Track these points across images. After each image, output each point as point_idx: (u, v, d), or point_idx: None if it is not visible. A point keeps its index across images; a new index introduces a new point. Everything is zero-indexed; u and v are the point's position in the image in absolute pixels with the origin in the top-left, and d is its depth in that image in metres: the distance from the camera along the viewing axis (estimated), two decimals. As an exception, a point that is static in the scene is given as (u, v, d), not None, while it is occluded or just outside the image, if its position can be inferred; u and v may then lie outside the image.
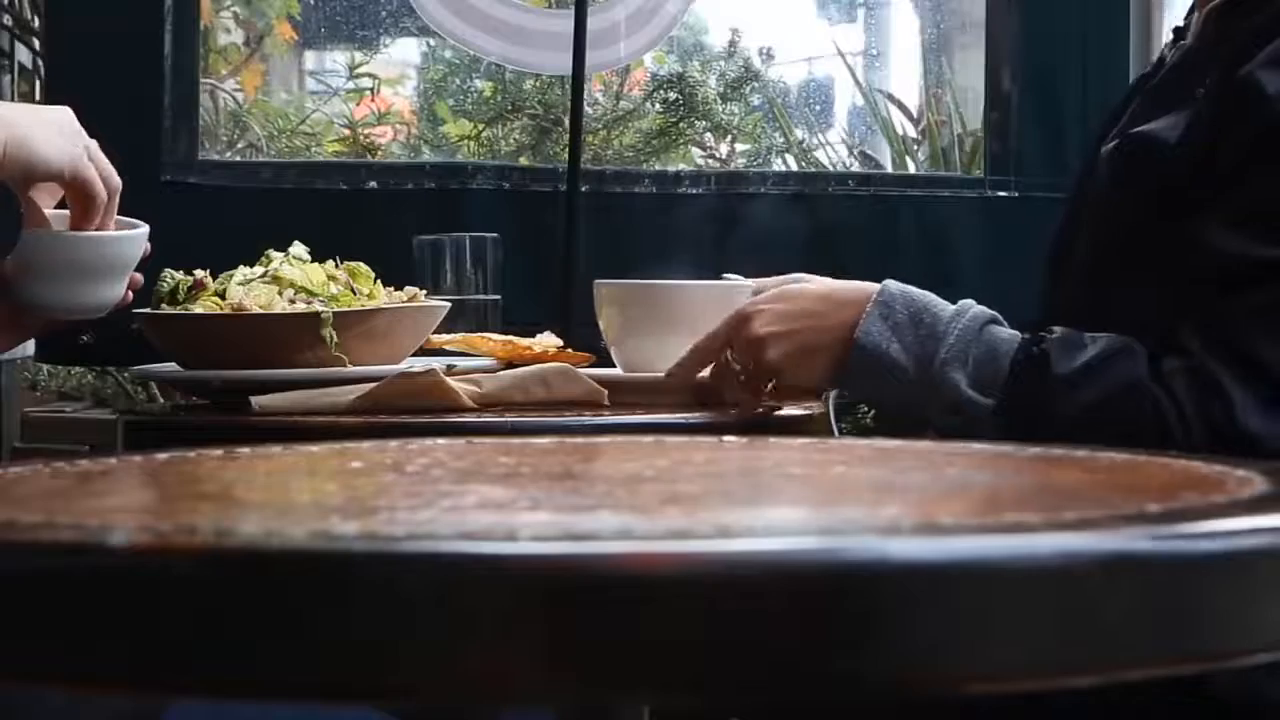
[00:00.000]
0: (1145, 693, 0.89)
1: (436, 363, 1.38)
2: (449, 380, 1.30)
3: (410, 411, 1.28)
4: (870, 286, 1.19)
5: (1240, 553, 0.47)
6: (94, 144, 1.21)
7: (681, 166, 2.97)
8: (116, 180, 1.22)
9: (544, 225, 2.21)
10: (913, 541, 0.45)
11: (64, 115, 1.20)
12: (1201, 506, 0.54)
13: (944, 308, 1.15)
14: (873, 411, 2.13)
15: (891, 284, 1.18)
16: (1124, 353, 1.07)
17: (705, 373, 1.27)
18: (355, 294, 1.40)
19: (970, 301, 1.16)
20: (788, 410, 1.34)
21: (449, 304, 1.49)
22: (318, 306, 1.36)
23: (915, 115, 2.98)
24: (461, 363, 1.43)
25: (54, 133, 1.17)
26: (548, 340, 1.48)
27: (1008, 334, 1.13)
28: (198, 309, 1.39)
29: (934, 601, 0.43)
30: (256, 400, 1.30)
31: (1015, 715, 0.92)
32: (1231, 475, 0.61)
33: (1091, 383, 1.06)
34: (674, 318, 1.35)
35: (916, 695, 0.50)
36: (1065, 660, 0.45)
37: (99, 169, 1.21)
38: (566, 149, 2.25)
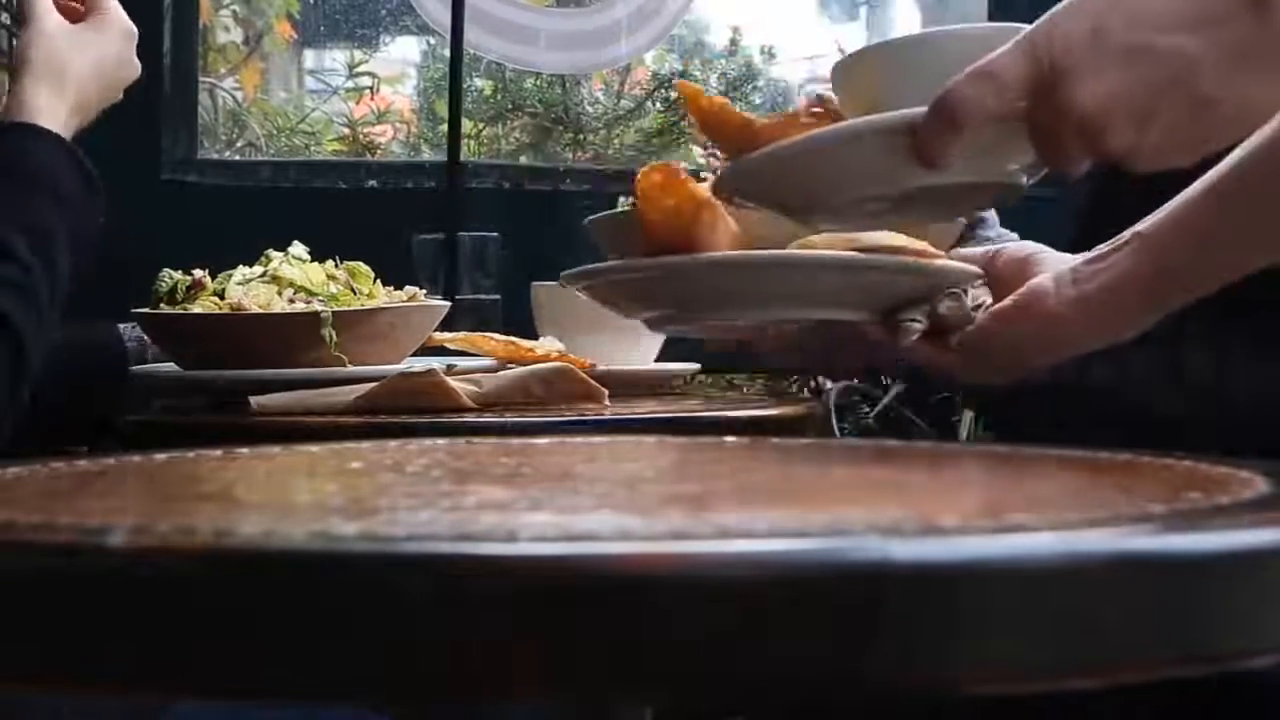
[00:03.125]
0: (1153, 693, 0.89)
1: (436, 363, 1.38)
2: (449, 380, 1.30)
3: (410, 411, 1.28)
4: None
5: (1243, 554, 0.47)
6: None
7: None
8: None
9: (544, 224, 2.22)
10: (914, 542, 0.45)
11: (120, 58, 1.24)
12: (1204, 507, 0.54)
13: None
14: (874, 410, 2.12)
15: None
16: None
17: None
18: (355, 294, 1.40)
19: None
20: (788, 410, 1.34)
21: (449, 304, 1.49)
22: (317, 306, 1.36)
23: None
24: (461, 363, 1.43)
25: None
26: (550, 344, 1.48)
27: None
28: (196, 309, 1.39)
29: (935, 602, 0.43)
30: (255, 400, 1.30)
31: (1016, 715, 0.92)
32: (1234, 476, 0.61)
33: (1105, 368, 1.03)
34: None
35: (916, 695, 0.50)
36: (1066, 661, 0.45)
37: None
38: (567, 148, 2.25)
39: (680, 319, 1.06)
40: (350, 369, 1.35)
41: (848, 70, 0.96)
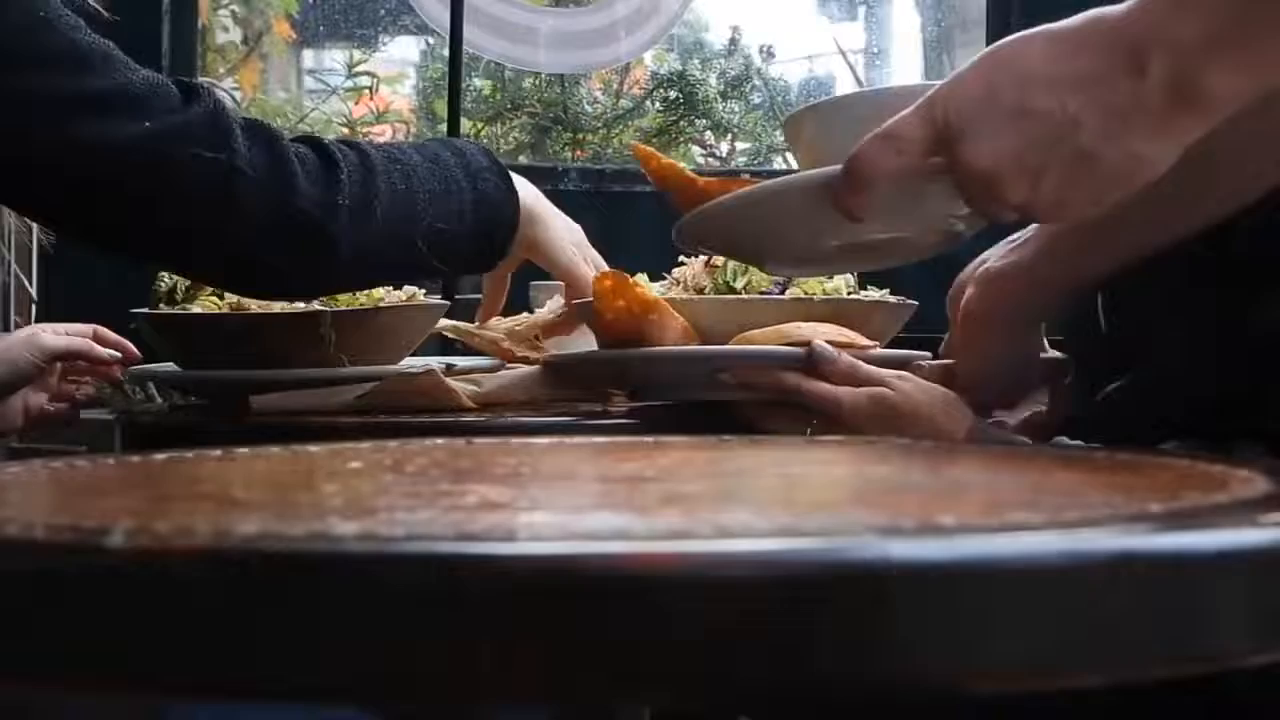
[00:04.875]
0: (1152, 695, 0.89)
1: (435, 363, 1.38)
2: (448, 380, 1.29)
3: (410, 411, 1.28)
4: (958, 423, 1.17)
5: (1243, 552, 0.47)
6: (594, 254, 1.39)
7: (682, 165, 2.97)
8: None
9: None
10: (914, 542, 0.45)
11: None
12: (1204, 506, 0.54)
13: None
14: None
15: (982, 428, 1.16)
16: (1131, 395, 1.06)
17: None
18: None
19: (1064, 439, 1.12)
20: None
21: (448, 304, 1.49)
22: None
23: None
24: (461, 362, 1.43)
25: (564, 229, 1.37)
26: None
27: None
28: (196, 308, 1.39)
29: (935, 601, 0.43)
30: (255, 400, 1.30)
31: (1016, 715, 0.92)
32: (1234, 475, 0.61)
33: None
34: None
35: (916, 695, 0.50)
36: (1066, 660, 0.45)
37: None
38: (566, 147, 2.25)
39: (640, 397, 1.30)
40: (350, 369, 1.35)
41: (792, 127, 1.05)
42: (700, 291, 1.31)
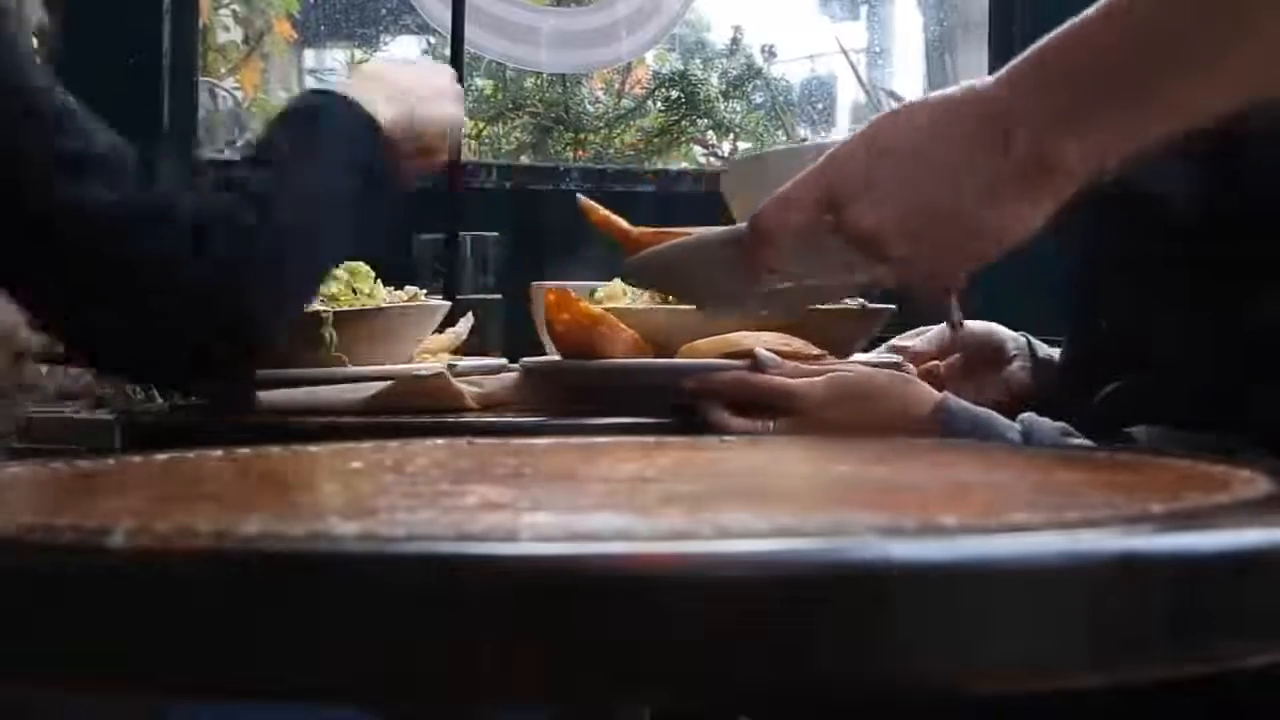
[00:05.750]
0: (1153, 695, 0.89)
1: (436, 364, 1.38)
2: (455, 382, 1.30)
3: (413, 412, 1.28)
4: (923, 400, 1.16)
5: (1244, 553, 0.47)
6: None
7: (683, 165, 2.97)
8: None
9: (545, 224, 2.21)
10: (914, 542, 0.45)
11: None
12: (1205, 506, 0.54)
13: (1009, 427, 1.12)
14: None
15: (951, 401, 1.15)
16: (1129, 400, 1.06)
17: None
18: (355, 294, 1.40)
19: (1032, 416, 1.13)
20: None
21: (449, 304, 1.49)
22: (318, 306, 1.36)
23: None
24: (462, 363, 1.43)
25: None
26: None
27: (1082, 446, 1.08)
28: (197, 308, 1.39)
29: (935, 602, 0.43)
30: (263, 396, 1.30)
31: (1016, 715, 0.92)
32: (1236, 475, 0.61)
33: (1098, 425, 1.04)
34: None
35: (916, 695, 0.50)
36: (1066, 660, 0.45)
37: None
38: (568, 147, 2.25)
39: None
40: (350, 369, 1.35)
41: (726, 179, 1.23)
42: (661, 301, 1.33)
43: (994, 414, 1.14)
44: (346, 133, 1.24)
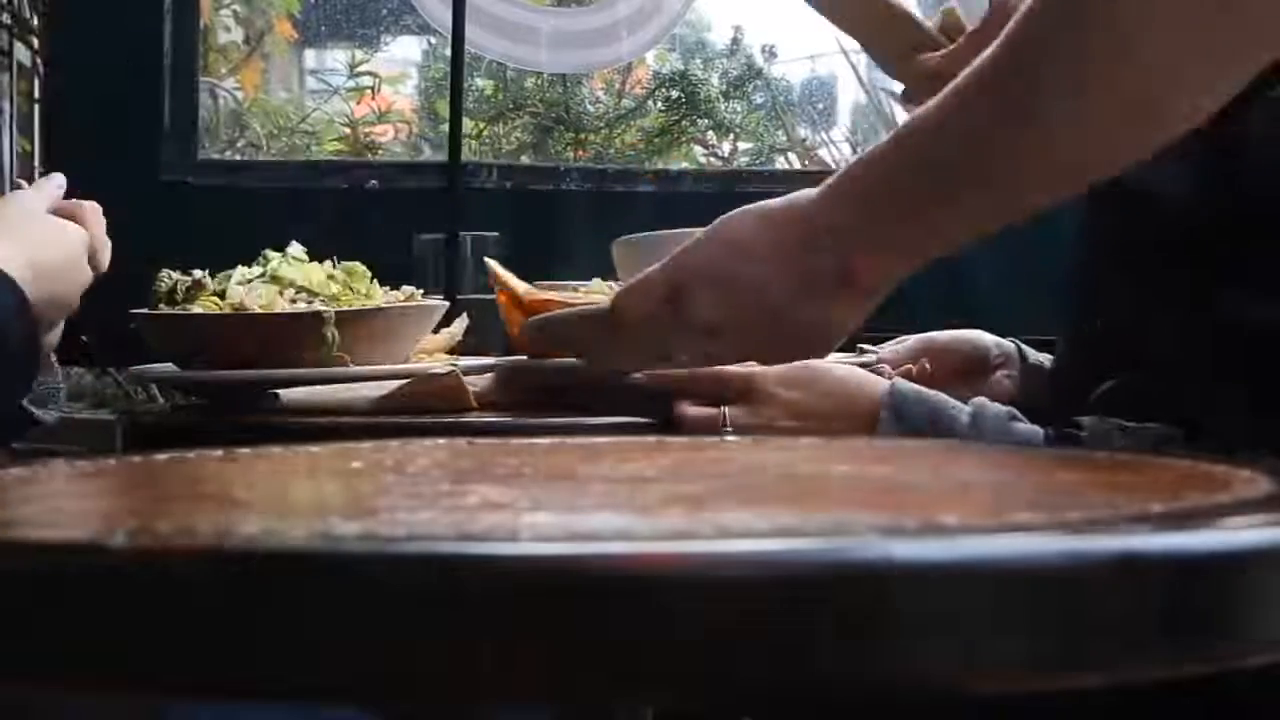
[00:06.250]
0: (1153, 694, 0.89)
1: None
2: (465, 380, 1.31)
3: (424, 411, 1.29)
4: (877, 383, 1.18)
5: (1245, 552, 0.47)
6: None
7: (684, 165, 2.97)
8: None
9: (545, 224, 2.21)
10: (915, 542, 0.45)
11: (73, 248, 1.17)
12: (1206, 506, 0.54)
13: (960, 410, 1.14)
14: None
15: (901, 384, 1.17)
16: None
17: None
18: (354, 293, 1.40)
19: (983, 400, 1.15)
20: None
21: (448, 304, 1.49)
22: (319, 306, 1.36)
23: (917, 113, 2.98)
24: (463, 362, 1.43)
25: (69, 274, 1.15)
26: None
27: (1028, 429, 1.11)
28: (196, 309, 1.39)
29: (936, 602, 0.43)
30: (283, 394, 1.31)
31: (1016, 715, 0.92)
32: (1236, 475, 0.61)
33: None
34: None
35: (916, 695, 0.50)
36: (1067, 660, 0.45)
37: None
38: (568, 147, 2.25)
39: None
40: (351, 369, 1.35)
41: (617, 253, 1.38)
42: None
43: (945, 396, 1.15)
44: None
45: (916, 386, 1.16)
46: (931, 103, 0.82)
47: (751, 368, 1.19)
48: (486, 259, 1.43)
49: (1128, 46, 0.74)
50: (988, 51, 0.79)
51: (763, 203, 0.89)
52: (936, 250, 0.89)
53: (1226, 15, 0.73)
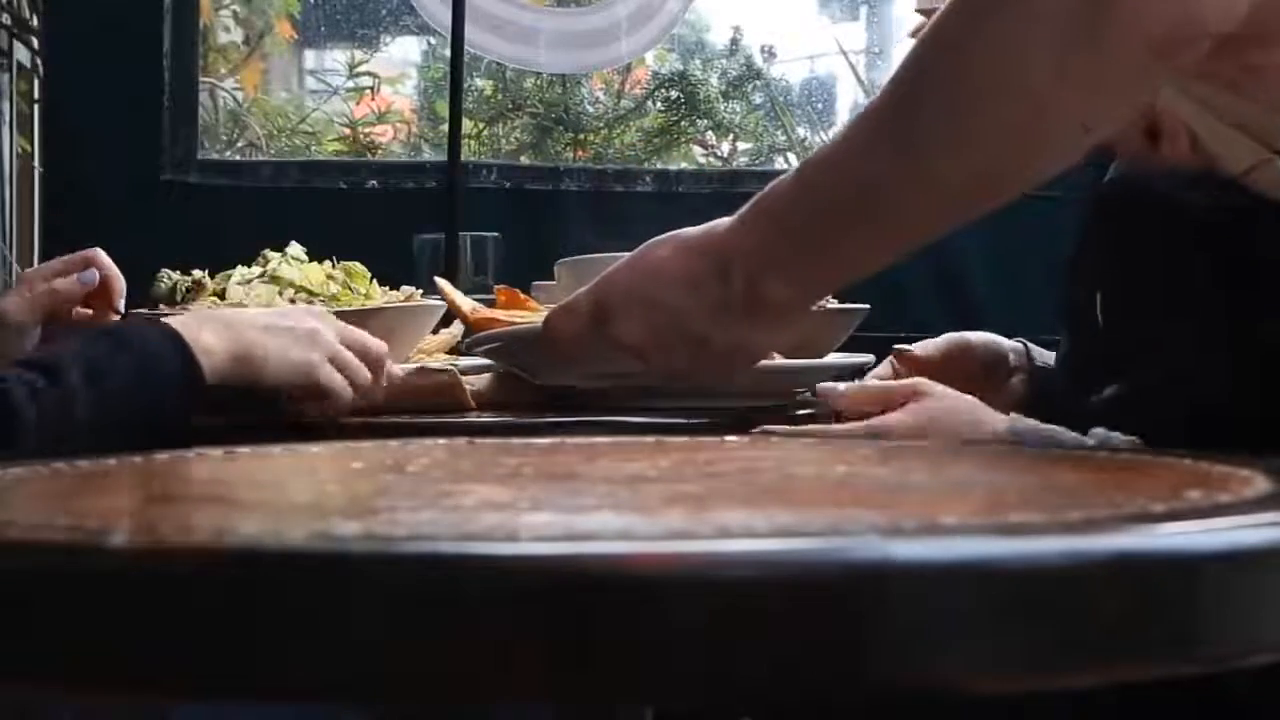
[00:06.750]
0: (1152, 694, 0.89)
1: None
2: (461, 379, 1.31)
3: (416, 411, 1.29)
4: (995, 419, 1.17)
5: (1244, 552, 0.47)
6: (340, 351, 1.25)
7: (683, 165, 2.97)
8: (365, 375, 1.27)
9: (544, 224, 2.21)
10: (914, 542, 0.45)
11: (306, 320, 1.25)
12: (1205, 506, 0.54)
13: (1078, 441, 1.10)
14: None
15: (1019, 421, 1.16)
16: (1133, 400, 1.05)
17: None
18: (353, 293, 1.40)
19: (1102, 430, 1.11)
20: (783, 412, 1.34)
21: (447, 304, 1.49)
22: (319, 306, 1.36)
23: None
24: (462, 362, 1.43)
25: (289, 342, 1.22)
26: None
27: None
28: (197, 309, 1.39)
29: (936, 602, 0.43)
30: None
31: (1016, 715, 0.92)
32: (1234, 475, 0.61)
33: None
34: None
35: (916, 695, 0.50)
36: (1066, 660, 0.45)
37: (344, 367, 1.25)
38: (567, 148, 2.25)
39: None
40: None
41: (558, 273, 1.40)
42: None
43: (1060, 430, 1.14)
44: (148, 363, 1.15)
45: (1032, 421, 1.16)
46: (836, 132, 0.85)
47: (885, 418, 1.19)
48: (436, 279, 1.44)
49: (1006, 75, 0.76)
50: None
51: (683, 230, 0.94)
52: (842, 278, 0.95)
53: (1095, 51, 0.75)
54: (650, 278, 0.93)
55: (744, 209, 0.89)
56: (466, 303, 1.35)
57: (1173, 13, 0.73)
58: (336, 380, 1.24)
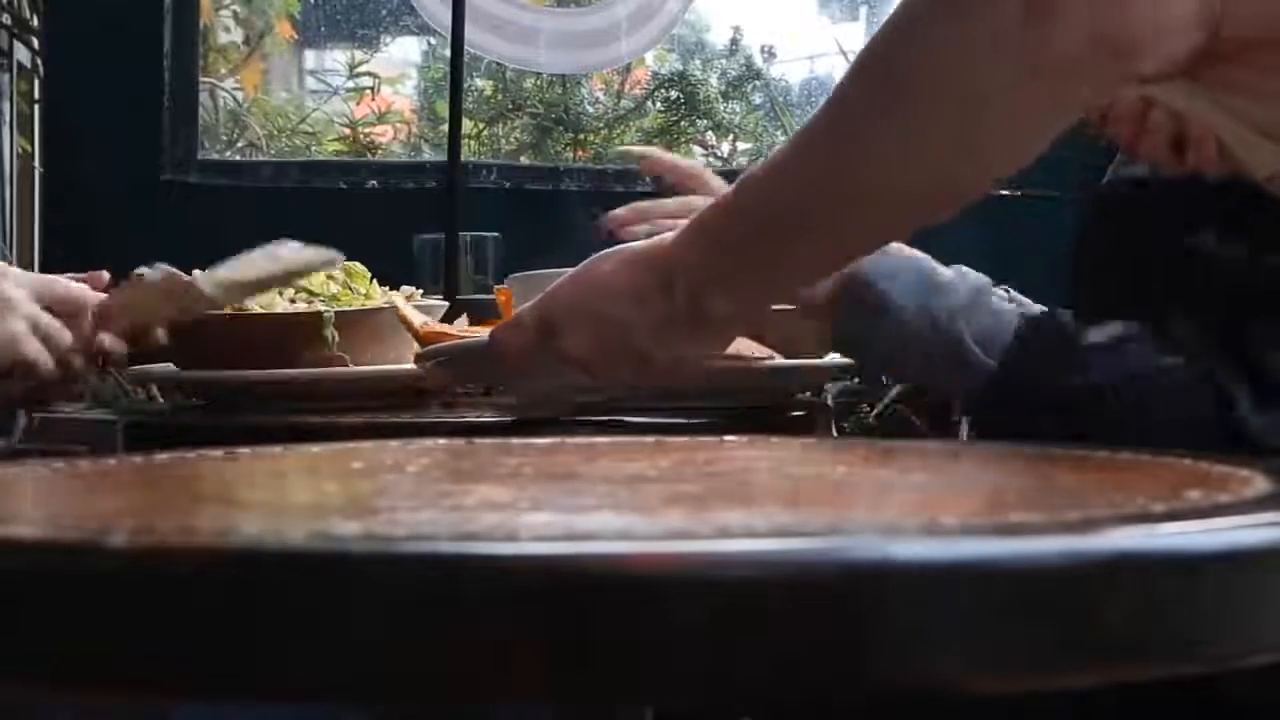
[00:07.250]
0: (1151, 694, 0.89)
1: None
2: (405, 309, 1.33)
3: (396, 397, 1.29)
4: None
5: (1243, 552, 0.47)
6: (38, 315, 1.18)
7: (415, 318, 2.96)
8: (66, 338, 1.20)
9: (544, 224, 2.21)
10: (914, 542, 0.45)
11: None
12: (1204, 506, 0.54)
13: (941, 266, 1.16)
14: (875, 411, 2.12)
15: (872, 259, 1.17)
16: (1139, 340, 1.06)
17: None
18: (353, 293, 1.40)
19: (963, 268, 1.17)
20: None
21: (448, 304, 1.49)
22: (319, 306, 1.36)
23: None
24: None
25: None
26: None
27: (1008, 303, 1.14)
28: (197, 308, 1.39)
29: (936, 601, 0.43)
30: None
31: (1016, 715, 0.92)
32: (1234, 475, 0.61)
33: (1104, 363, 1.06)
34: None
35: (916, 695, 0.50)
36: (1066, 660, 0.45)
37: (47, 335, 1.18)
38: (567, 148, 2.25)
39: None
40: (351, 369, 1.35)
41: (513, 286, 1.41)
42: None
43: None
44: None
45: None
46: (774, 151, 0.87)
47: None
48: (392, 294, 1.44)
49: (944, 79, 0.76)
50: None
51: (629, 244, 0.96)
52: (783, 291, 0.97)
53: (1037, 54, 0.74)
54: (595, 292, 0.94)
55: (687, 223, 0.90)
56: (418, 317, 1.36)
57: (1119, 16, 0.73)
58: (33, 349, 1.17)
